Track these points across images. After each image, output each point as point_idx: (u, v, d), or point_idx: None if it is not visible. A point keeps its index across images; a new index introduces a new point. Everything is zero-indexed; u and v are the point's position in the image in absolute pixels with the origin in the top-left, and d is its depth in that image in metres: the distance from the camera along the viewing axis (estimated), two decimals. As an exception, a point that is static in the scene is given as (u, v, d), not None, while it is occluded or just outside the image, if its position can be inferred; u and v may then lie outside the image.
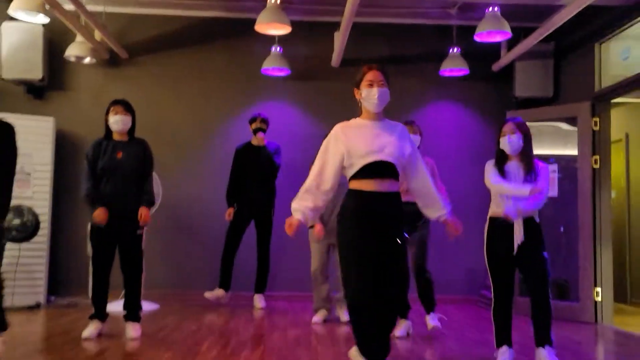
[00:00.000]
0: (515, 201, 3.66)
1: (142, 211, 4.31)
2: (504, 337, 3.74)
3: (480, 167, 6.02)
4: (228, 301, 5.94)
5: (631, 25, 5.28)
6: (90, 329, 4.31)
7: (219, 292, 5.83)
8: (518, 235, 3.65)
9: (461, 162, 6.69)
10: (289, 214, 3.17)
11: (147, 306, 5.58)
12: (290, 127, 6.60)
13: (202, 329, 4.73)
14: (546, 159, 6.53)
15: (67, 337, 4.36)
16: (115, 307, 4.95)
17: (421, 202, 3.34)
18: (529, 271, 3.71)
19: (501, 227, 3.70)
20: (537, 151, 6.08)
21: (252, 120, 5.97)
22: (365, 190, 3.06)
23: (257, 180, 5.87)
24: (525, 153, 3.78)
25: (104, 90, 6.60)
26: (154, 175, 6.02)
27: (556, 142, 6.48)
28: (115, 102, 4.43)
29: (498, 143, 3.84)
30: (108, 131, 4.44)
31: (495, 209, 3.79)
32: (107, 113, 4.42)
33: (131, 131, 4.48)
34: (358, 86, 3.19)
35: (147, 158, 4.46)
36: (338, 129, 3.16)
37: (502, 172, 3.78)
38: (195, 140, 6.64)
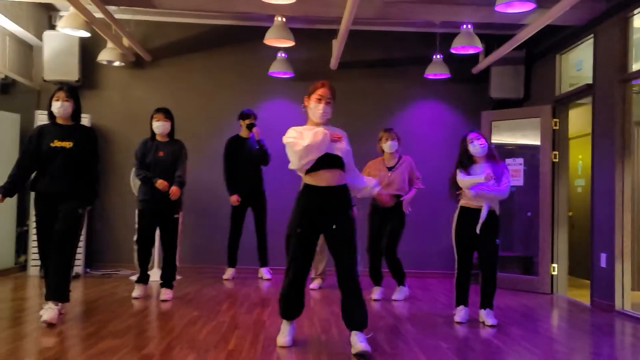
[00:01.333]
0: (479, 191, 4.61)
1: (173, 189, 5.28)
2: (462, 299, 4.75)
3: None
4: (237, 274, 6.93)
5: (582, 42, 6.19)
6: (138, 291, 5.42)
7: (230, 271, 6.81)
8: (483, 214, 4.57)
9: (443, 153, 7.61)
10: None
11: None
12: (293, 122, 7.45)
13: (220, 294, 5.75)
14: (521, 148, 7.47)
15: (111, 299, 5.38)
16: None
17: (354, 189, 3.83)
18: (483, 252, 4.69)
19: (468, 214, 4.66)
20: (509, 141, 7.03)
21: (247, 116, 6.70)
22: (315, 185, 3.56)
23: (248, 169, 6.65)
24: (491, 154, 4.71)
25: (131, 89, 7.57)
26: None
27: (533, 133, 7.37)
28: (158, 110, 5.42)
29: (465, 150, 4.72)
30: (152, 133, 5.42)
31: (465, 201, 4.72)
32: (152, 118, 5.40)
33: (171, 133, 5.46)
34: (309, 96, 3.63)
35: (182, 155, 5.43)
36: (296, 128, 3.62)
37: (466, 169, 4.71)
38: (208, 131, 7.56)
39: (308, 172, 3.58)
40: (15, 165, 4.36)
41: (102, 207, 7.39)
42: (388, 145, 5.65)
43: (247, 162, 6.69)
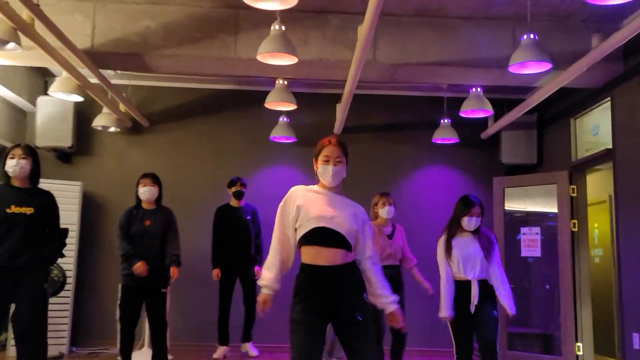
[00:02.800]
0: (473, 269, 4.19)
1: (173, 270, 4.91)
2: None
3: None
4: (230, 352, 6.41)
5: (599, 105, 5.89)
6: None
7: (222, 349, 6.28)
8: (474, 297, 4.16)
9: (453, 222, 7.22)
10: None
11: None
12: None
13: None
14: (536, 216, 7.06)
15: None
16: (138, 357, 5.45)
17: (370, 285, 3.13)
18: (481, 328, 4.20)
19: (463, 289, 4.21)
20: (520, 208, 6.64)
21: (233, 184, 6.38)
22: (313, 264, 2.95)
23: (237, 240, 6.24)
24: (479, 230, 4.30)
25: (127, 155, 7.28)
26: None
27: (546, 200, 7.00)
28: (144, 175, 5.05)
29: (458, 219, 4.31)
30: (138, 200, 5.02)
31: (458, 274, 4.28)
32: (137, 184, 5.02)
33: (158, 200, 5.08)
34: (316, 158, 3.10)
35: (171, 224, 5.04)
36: (294, 189, 3.10)
37: (450, 247, 4.29)
38: (207, 199, 7.18)
39: (301, 244, 3.03)
40: None
41: (92, 280, 6.94)
42: (385, 211, 5.21)
43: (236, 232, 6.29)
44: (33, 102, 6.88)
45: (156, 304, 4.94)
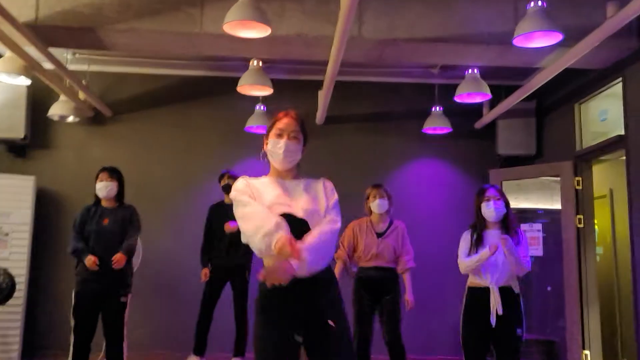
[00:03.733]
0: (493, 273, 3.62)
1: (117, 257, 4.29)
2: None
3: (463, 222, 6.05)
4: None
5: (608, 88, 5.34)
6: None
7: (193, 359, 5.65)
8: (496, 307, 3.59)
9: (444, 217, 6.63)
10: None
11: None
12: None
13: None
14: (532, 213, 6.55)
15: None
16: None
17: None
18: (501, 348, 3.65)
19: (480, 298, 3.64)
20: (523, 205, 6.11)
21: (220, 177, 5.77)
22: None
23: (230, 240, 5.61)
24: (508, 220, 3.77)
25: (87, 148, 6.60)
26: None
27: (541, 195, 6.48)
28: (103, 169, 4.51)
29: (479, 209, 3.82)
30: (97, 197, 4.48)
31: (473, 279, 3.73)
32: (96, 179, 4.48)
33: (120, 197, 4.51)
34: (267, 135, 2.57)
35: (133, 222, 4.48)
36: (244, 179, 2.52)
37: (480, 241, 3.75)
38: (177, 196, 6.58)
39: None
40: None
41: (48, 284, 6.26)
42: (377, 205, 4.62)
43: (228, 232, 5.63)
44: (-20, 88, 6.18)
45: (114, 315, 4.35)
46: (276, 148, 2.48)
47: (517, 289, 3.75)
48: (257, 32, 4.03)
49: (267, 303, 2.38)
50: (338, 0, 4.26)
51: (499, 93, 6.36)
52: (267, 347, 2.33)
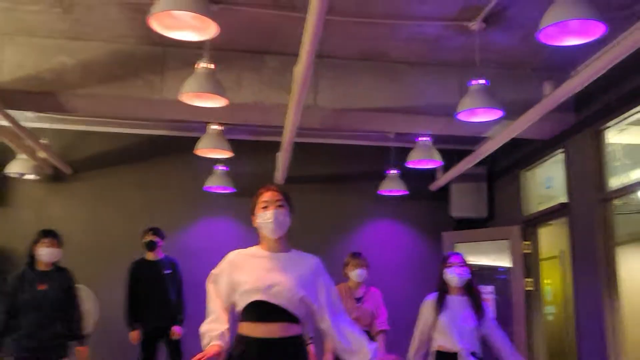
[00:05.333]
0: (464, 338, 3.71)
1: (80, 351, 4.36)
2: None
3: (419, 283, 6.18)
4: None
5: (550, 158, 5.63)
6: None
7: None
8: None
9: (400, 278, 6.78)
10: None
11: None
12: (236, 242, 6.52)
13: None
14: (485, 275, 6.70)
15: None
16: None
17: (339, 347, 2.66)
18: None
19: None
20: (475, 261, 6.28)
21: (144, 234, 5.74)
22: (249, 335, 2.54)
23: (155, 297, 5.55)
24: (471, 287, 3.90)
25: (46, 206, 6.59)
26: (90, 292, 5.96)
27: (497, 255, 6.65)
28: (46, 234, 4.43)
29: (441, 275, 3.93)
30: (31, 261, 4.39)
31: (443, 343, 3.80)
32: (36, 243, 4.39)
33: (57, 260, 4.48)
34: (253, 211, 2.72)
35: (71, 288, 4.44)
36: (233, 255, 2.71)
37: (442, 305, 3.85)
38: (136, 255, 6.54)
39: (242, 314, 2.61)
40: None
41: None
42: (356, 274, 4.88)
43: (154, 288, 5.56)
44: (-64, 145, 6.17)
45: None
46: (265, 219, 2.63)
47: (480, 353, 3.84)
48: (213, 102, 4.18)
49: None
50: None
51: (452, 157, 6.62)
52: None
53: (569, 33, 3.29)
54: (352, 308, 4.78)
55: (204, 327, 2.61)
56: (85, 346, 4.40)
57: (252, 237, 2.84)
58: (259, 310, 2.53)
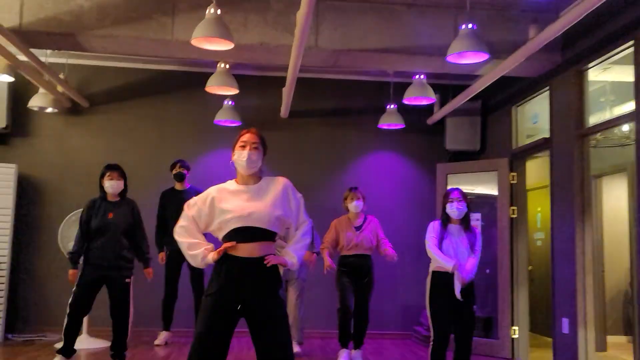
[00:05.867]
0: (457, 259, 4.23)
1: (148, 272, 5.09)
2: None
3: (414, 211, 6.70)
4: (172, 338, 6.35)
5: (538, 94, 5.98)
6: None
7: (164, 334, 6.25)
8: (457, 292, 4.20)
9: (397, 206, 7.30)
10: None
11: (94, 344, 5.99)
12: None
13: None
14: (474, 202, 7.19)
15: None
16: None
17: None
18: (460, 322, 4.29)
19: (443, 280, 4.25)
20: (470, 190, 6.75)
21: (173, 166, 6.35)
22: (233, 255, 2.92)
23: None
24: (467, 219, 4.40)
25: (66, 137, 7.05)
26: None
27: (487, 184, 7.11)
28: (111, 167, 4.95)
29: (444, 207, 4.40)
30: (103, 192, 4.95)
31: (437, 264, 4.32)
32: (102, 177, 4.93)
33: (122, 192, 5.02)
34: (233, 148, 3.05)
35: (135, 217, 5.02)
36: (212, 190, 3.05)
37: (445, 232, 4.35)
38: (150, 184, 7.03)
39: (224, 238, 2.98)
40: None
41: (29, 265, 6.76)
42: (354, 206, 5.56)
43: (179, 215, 6.13)
44: (-38, 80, 6.57)
45: (119, 294, 4.89)
46: (240, 157, 2.99)
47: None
48: (221, 46, 4.54)
49: (216, 280, 2.96)
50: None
51: (448, 92, 6.97)
52: (208, 317, 2.91)
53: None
54: (352, 235, 5.49)
55: (189, 242, 3.05)
56: (150, 267, 5.08)
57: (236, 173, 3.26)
58: (242, 234, 2.91)
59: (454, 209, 4.35)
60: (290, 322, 4.07)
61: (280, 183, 3.07)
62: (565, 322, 5.26)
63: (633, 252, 5.78)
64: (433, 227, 4.45)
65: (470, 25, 4.48)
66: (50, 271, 6.73)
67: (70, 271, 4.91)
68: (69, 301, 4.80)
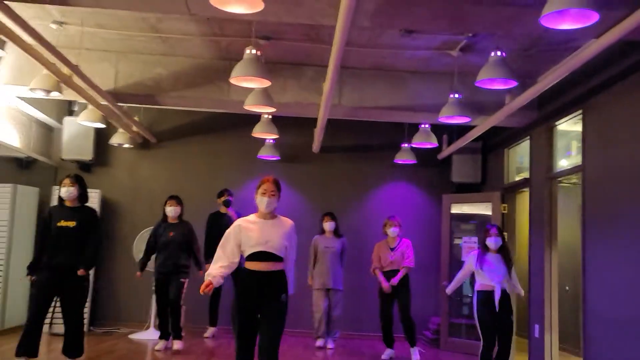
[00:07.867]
0: (496, 278, 5.45)
1: (201, 273, 6.63)
2: None
3: (423, 234, 8.00)
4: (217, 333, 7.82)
5: (523, 141, 7.28)
6: (161, 344, 6.77)
7: (211, 329, 7.76)
8: (497, 300, 5.40)
9: (408, 229, 8.56)
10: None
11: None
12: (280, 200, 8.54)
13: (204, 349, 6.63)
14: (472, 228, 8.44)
15: (114, 355, 6.25)
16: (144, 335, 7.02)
17: None
18: (501, 329, 5.45)
19: (487, 297, 5.44)
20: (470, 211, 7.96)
21: (221, 194, 7.87)
22: (253, 269, 4.00)
23: None
24: (505, 249, 5.59)
25: (137, 167, 8.66)
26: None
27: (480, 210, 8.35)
28: (171, 197, 6.74)
29: (484, 240, 5.58)
30: (165, 216, 6.71)
31: (482, 282, 5.49)
32: (165, 204, 6.69)
33: (180, 215, 6.71)
34: (256, 190, 4.07)
35: (190, 235, 6.74)
36: (240, 222, 4.07)
37: (482, 260, 5.52)
38: (204, 207, 8.53)
39: (247, 257, 4.06)
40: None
41: (107, 271, 8.33)
42: (391, 231, 6.94)
43: (222, 234, 7.61)
44: (59, 121, 8.23)
45: (173, 293, 6.56)
46: (262, 202, 4.09)
47: (508, 290, 5.55)
48: (265, 109, 6.03)
49: (243, 287, 4.12)
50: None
51: (454, 132, 8.30)
52: (238, 314, 4.10)
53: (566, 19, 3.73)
54: (387, 255, 6.88)
55: (214, 264, 4.10)
56: (202, 270, 6.72)
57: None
58: (260, 255, 3.99)
59: (491, 242, 5.51)
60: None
61: (289, 223, 4.18)
62: (536, 328, 6.51)
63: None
64: (473, 255, 5.65)
65: (456, 95, 5.86)
66: (123, 277, 8.29)
67: (138, 273, 6.67)
68: (154, 299, 6.57)
